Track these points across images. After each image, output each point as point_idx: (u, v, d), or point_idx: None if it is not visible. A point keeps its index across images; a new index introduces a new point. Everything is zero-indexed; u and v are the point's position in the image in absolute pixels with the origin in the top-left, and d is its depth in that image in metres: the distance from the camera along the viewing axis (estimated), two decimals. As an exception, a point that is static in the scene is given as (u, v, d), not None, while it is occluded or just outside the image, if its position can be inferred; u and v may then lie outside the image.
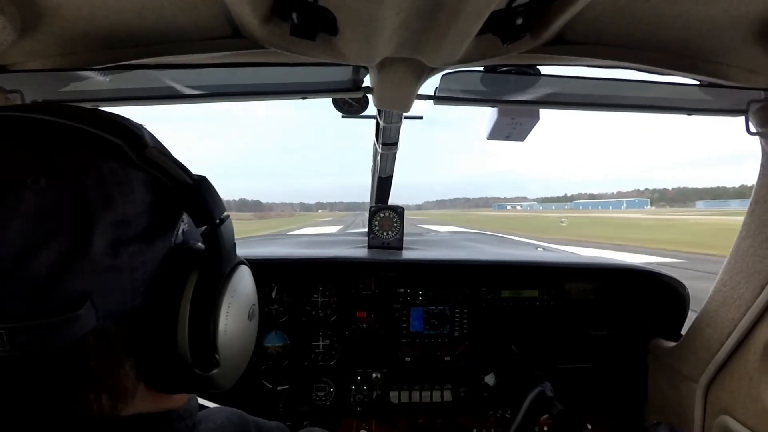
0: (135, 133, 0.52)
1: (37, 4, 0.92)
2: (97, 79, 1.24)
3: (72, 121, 0.49)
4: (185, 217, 0.57)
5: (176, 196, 0.53)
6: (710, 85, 1.26)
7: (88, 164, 0.48)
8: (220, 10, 0.97)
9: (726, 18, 1.00)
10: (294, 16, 0.93)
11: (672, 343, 1.73)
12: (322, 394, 1.91)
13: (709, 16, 1.00)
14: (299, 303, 1.91)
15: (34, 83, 1.20)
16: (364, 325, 1.94)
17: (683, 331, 1.82)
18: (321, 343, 1.92)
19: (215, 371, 0.54)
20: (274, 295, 1.90)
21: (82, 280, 0.44)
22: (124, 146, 0.50)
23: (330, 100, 1.60)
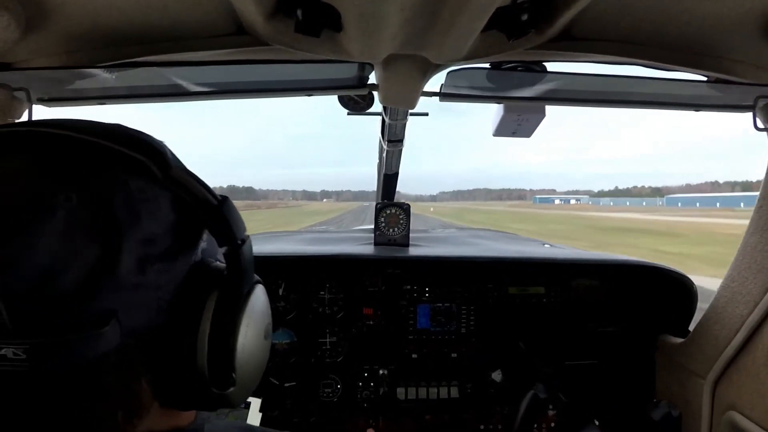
0: (160, 152, 0.52)
1: (42, 1, 0.93)
2: (102, 77, 1.24)
3: (99, 139, 0.49)
4: (205, 235, 0.58)
5: (199, 216, 0.53)
6: (717, 81, 1.26)
7: (117, 182, 0.48)
8: (225, 7, 0.97)
9: (731, 14, 1.00)
10: (298, 12, 0.93)
11: (680, 340, 1.73)
12: (329, 390, 1.91)
13: (715, 12, 1.00)
14: (306, 300, 1.92)
15: (40, 81, 1.21)
16: (371, 322, 1.94)
17: (691, 327, 1.81)
18: (328, 340, 1.92)
19: (231, 390, 0.54)
20: (281, 293, 1.90)
21: (109, 298, 0.45)
22: (151, 165, 0.50)
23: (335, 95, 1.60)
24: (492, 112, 1.61)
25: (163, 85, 1.39)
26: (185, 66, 1.24)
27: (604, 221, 49.79)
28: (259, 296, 0.60)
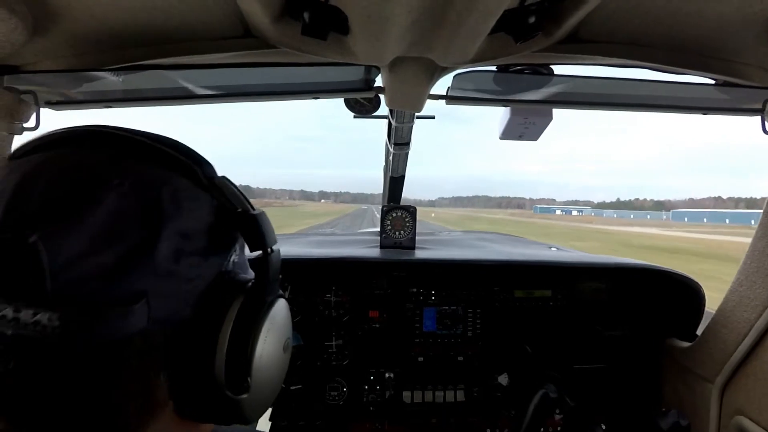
0: (206, 162, 0.58)
1: (48, 3, 0.93)
2: (109, 80, 1.25)
3: (155, 143, 0.55)
4: (238, 248, 0.61)
5: (236, 223, 0.58)
6: (725, 84, 1.25)
7: (165, 176, 0.53)
8: (231, 10, 0.98)
9: (739, 16, 0.99)
10: (305, 15, 0.93)
11: (687, 344, 1.72)
12: (335, 393, 1.91)
13: (723, 14, 0.99)
14: (312, 303, 1.92)
15: (47, 84, 1.22)
16: (377, 325, 1.94)
17: (698, 332, 1.81)
18: (334, 342, 1.92)
19: (245, 396, 0.55)
20: (287, 295, 1.90)
21: (143, 279, 0.48)
22: (198, 170, 0.56)
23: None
24: (498, 115, 1.61)
25: (170, 87, 1.39)
26: (192, 69, 1.24)
27: (631, 237, 44.68)
28: (281, 308, 0.63)
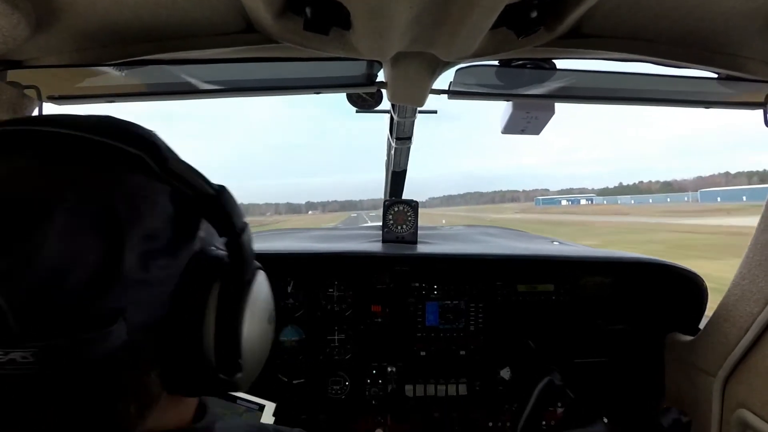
0: (155, 144, 0.52)
1: None
2: (111, 75, 1.25)
3: (92, 134, 0.49)
4: (202, 224, 0.57)
5: (198, 207, 0.54)
6: (728, 77, 1.25)
7: (115, 179, 0.48)
8: (234, 5, 0.98)
9: (741, 10, 0.99)
10: (307, 10, 0.93)
11: (689, 337, 1.72)
12: (338, 387, 1.92)
13: (725, 9, 0.99)
14: (314, 297, 1.93)
15: (50, 79, 1.22)
16: (379, 320, 1.94)
17: (701, 325, 1.81)
18: (336, 337, 1.93)
19: (238, 375, 0.55)
20: (289, 290, 1.91)
21: (115, 296, 0.45)
22: (148, 159, 0.50)
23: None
24: (495, 110, 1.61)
25: (173, 83, 1.39)
26: (194, 64, 1.24)
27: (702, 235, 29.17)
28: (261, 283, 0.61)
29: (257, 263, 0.61)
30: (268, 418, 1.50)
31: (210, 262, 0.56)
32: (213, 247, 0.59)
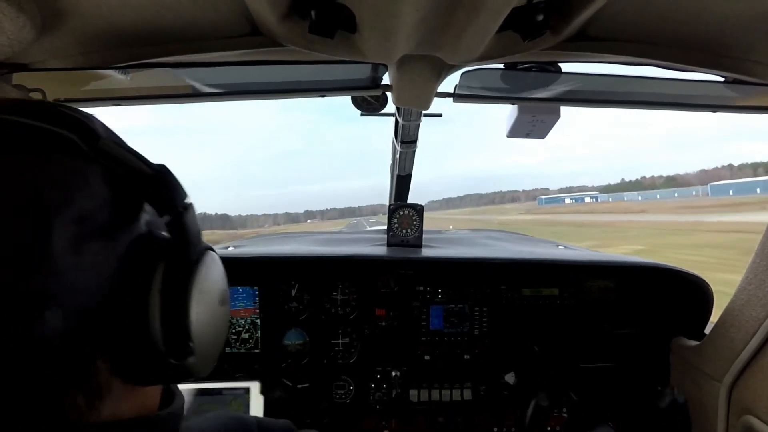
0: (86, 125, 0.50)
1: (57, 2, 0.93)
2: (116, 78, 1.25)
3: (19, 117, 0.47)
4: (147, 206, 0.56)
5: (136, 187, 0.52)
6: (734, 81, 1.24)
7: (40, 162, 0.46)
8: (239, 8, 0.98)
9: (748, 14, 0.99)
10: (312, 13, 0.93)
11: (695, 342, 1.71)
12: (342, 392, 1.91)
13: (732, 12, 0.99)
14: (319, 301, 1.93)
15: (56, 82, 1.22)
16: (384, 323, 1.94)
17: (706, 330, 1.80)
18: (340, 341, 1.93)
19: (191, 359, 0.53)
20: (294, 293, 1.91)
21: (45, 282, 0.43)
22: (77, 139, 0.48)
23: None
24: (501, 113, 1.61)
25: (178, 86, 1.40)
26: (199, 67, 1.24)
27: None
28: (209, 263, 0.58)
29: (206, 243, 0.60)
30: (256, 397, 1.50)
31: (153, 244, 0.54)
32: (160, 230, 0.57)
